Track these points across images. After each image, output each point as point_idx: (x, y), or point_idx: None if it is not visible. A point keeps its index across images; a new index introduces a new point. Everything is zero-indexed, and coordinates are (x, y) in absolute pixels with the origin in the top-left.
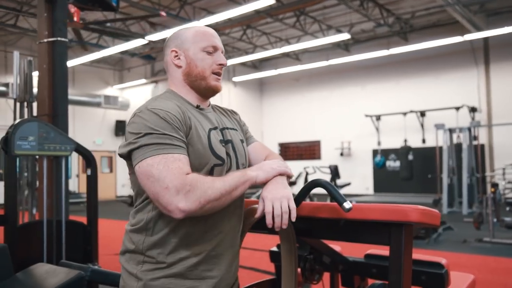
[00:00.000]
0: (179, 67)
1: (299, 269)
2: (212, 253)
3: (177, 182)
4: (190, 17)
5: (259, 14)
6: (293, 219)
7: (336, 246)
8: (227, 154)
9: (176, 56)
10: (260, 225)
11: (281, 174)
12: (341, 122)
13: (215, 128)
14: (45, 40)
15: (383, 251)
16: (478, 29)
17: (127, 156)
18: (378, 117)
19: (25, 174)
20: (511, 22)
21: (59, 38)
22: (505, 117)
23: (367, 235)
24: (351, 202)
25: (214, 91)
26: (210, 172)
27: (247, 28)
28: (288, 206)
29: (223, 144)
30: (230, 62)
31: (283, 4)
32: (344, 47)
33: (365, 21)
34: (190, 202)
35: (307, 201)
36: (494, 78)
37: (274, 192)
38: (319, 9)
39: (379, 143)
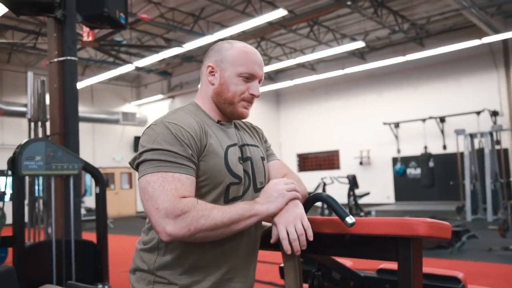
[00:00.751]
0: (212, 84)
1: (306, 286)
2: (227, 276)
3: (168, 204)
4: (204, 31)
5: (272, 25)
6: (310, 238)
7: (347, 261)
8: (245, 171)
9: (212, 72)
10: (262, 243)
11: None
12: (359, 130)
13: (234, 145)
14: (55, 60)
15: (397, 265)
16: (496, 31)
17: (137, 169)
18: (397, 125)
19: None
20: None
21: (68, 57)
22: None
23: (373, 250)
24: (366, 214)
25: (239, 117)
26: (226, 191)
27: (261, 40)
28: (303, 226)
29: (241, 162)
30: None
31: (296, 15)
32: (359, 55)
33: (379, 28)
34: (178, 228)
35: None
36: None
37: (286, 216)
38: (333, 18)
39: (398, 151)
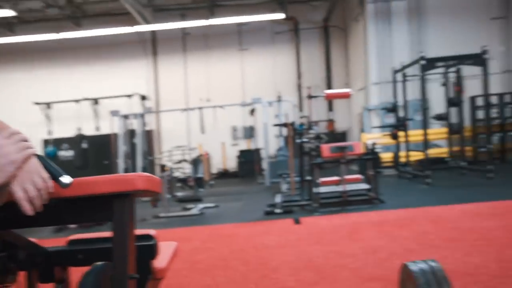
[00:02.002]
0: None
1: None
2: None
3: None
4: None
5: None
6: (51, 190)
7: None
8: None
9: None
10: None
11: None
12: (7, 110)
13: None
14: None
15: (88, 234)
16: (147, 22)
17: None
18: (49, 105)
19: None
20: (174, 19)
21: None
22: (171, 104)
23: (86, 213)
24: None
25: None
26: None
27: None
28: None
29: None
30: None
31: None
32: (7, 27)
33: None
34: None
35: None
36: (161, 68)
37: (20, 175)
38: None
39: (49, 133)
